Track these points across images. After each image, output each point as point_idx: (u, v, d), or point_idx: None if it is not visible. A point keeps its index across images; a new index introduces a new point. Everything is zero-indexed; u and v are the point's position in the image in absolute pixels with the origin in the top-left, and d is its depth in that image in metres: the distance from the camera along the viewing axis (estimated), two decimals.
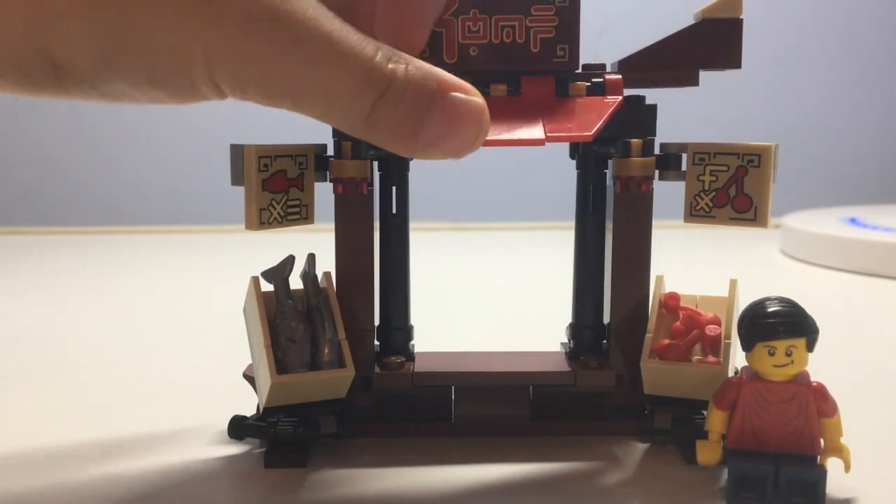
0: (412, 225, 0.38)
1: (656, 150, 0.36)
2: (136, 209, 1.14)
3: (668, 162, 0.36)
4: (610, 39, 1.05)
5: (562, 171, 0.39)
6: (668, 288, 0.37)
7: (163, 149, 1.14)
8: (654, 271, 0.37)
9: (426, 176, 1.06)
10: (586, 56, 0.35)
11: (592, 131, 0.32)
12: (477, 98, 0.27)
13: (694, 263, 0.74)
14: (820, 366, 0.32)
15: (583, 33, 0.35)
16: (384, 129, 0.26)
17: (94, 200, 1.15)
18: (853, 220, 0.89)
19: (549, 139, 0.31)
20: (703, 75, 0.36)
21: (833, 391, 0.31)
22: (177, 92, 0.26)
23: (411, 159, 0.38)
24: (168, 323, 0.61)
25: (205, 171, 1.05)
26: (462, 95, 0.27)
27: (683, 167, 0.35)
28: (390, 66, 0.26)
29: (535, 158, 1.07)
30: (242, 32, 0.24)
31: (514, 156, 1.11)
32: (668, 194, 0.39)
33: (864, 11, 1.17)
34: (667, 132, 0.37)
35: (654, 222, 0.37)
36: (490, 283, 0.76)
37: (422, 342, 0.39)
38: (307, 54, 0.25)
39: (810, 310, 0.31)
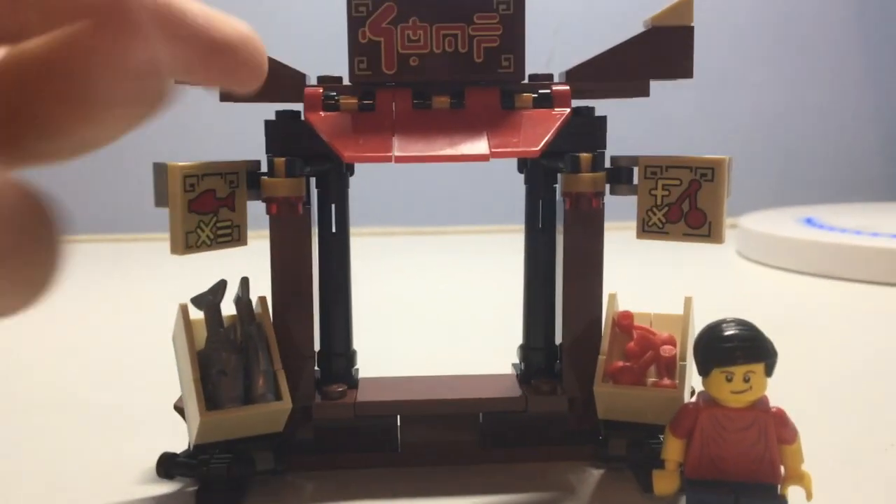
0: (353, 230, 0.36)
1: (607, 164, 0.34)
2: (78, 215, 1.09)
3: (620, 175, 0.34)
4: (565, 39, 1.05)
5: (513, 175, 0.37)
6: (623, 302, 0.35)
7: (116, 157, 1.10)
8: (609, 275, 0.35)
9: (368, 177, 1.05)
10: (540, 60, 0.33)
11: (539, 146, 0.30)
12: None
13: (650, 266, 0.73)
14: (777, 373, 0.30)
15: (535, 37, 0.33)
16: None
17: None
18: (809, 221, 0.89)
19: (493, 155, 0.30)
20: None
21: (791, 400, 0.30)
22: None
23: (351, 174, 0.36)
24: (100, 344, 0.58)
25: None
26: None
27: (635, 181, 0.34)
28: None
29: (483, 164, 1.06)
30: None
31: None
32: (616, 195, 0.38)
33: (818, 11, 1.17)
34: (617, 133, 0.35)
35: (608, 224, 0.35)
36: (440, 290, 0.74)
37: (367, 363, 0.37)
38: None
39: (767, 314, 0.29)
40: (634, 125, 0.34)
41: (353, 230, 0.36)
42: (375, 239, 0.98)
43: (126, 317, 0.66)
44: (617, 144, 0.35)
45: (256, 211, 0.34)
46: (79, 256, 0.96)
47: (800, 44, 1.18)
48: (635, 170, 0.34)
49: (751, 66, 1.17)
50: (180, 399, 0.35)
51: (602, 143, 0.34)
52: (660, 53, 0.33)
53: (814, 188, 1.17)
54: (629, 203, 0.35)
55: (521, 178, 0.37)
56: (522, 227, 0.37)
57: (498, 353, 0.40)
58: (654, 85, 0.34)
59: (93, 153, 0.15)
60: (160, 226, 0.31)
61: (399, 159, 0.29)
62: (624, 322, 0.35)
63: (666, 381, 0.33)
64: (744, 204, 0.95)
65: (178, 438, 0.34)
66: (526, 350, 0.37)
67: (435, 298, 0.71)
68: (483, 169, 1.07)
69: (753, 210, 0.96)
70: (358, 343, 0.37)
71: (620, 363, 0.34)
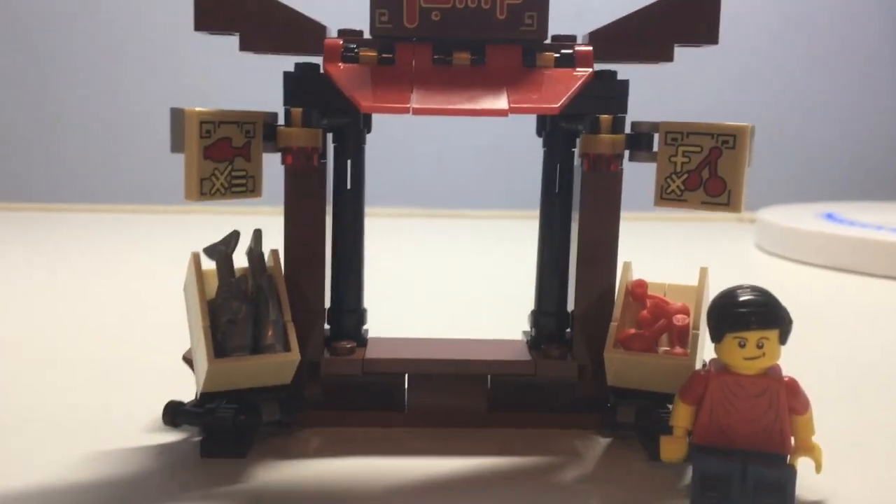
0: (377, 210, 0.36)
1: (627, 129, 0.34)
2: (86, 186, 1.10)
3: (640, 142, 0.34)
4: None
5: (529, 160, 0.37)
6: (637, 277, 0.35)
7: (118, 124, 1.11)
8: (623, 262, 0.35)
9: (394, 160, 1.05)
10: (566, 20, 0.33)
11: (559, 103, 0.30)
12: None
13: (665, 256, 0.73)
14: (793, 363, 0.30)
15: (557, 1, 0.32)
16: None
17: (37, 176, 1.10)
18: (830, 216, 0.88)
19: (512, 110, 0.29)
20: (679, 55, 0.34)
21: (805, 389, 0.29)
22: None
23: (368, 131, 0.36)
24: (106, 303, 0.58)
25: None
26: None
27: (655, 148, 0.34)
28: None
29: (503, 144, 1.06)
30: None
31: (482, 143, 1.09)
32: (639, 183, 0.37)
33: (849, 6, 1.16)
34: (637, 117, 0.35)
35: (625, 213, 0.35)
36: (455, 271, 0.74)
37: (378, 330, 0.37)
38: None
39: (786, 305, 0.29)
40: (652, 111, 0.33)
41: (367, 210, 0.36)
42: (390, 220, 0.98)
43: (138, 280, 0.66)
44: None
45: (274, 188, 0.34)
46: (100, 224, 0.97)
47: (825, 40, 1.16)
48: (655, 137, 0.34)
49: (774, 61, 1.15)
50: (189, 351, 0.35)
51: (623, 108, 0.34)
52: (686, 18, 0.33)
53: (835, 186, 1.15)
54: (643, 191, 0.35)
55: (532, 164, 0.36)
56: (531, 213, 0.37)
57: (506, 330, 0.39)
58: (675, 74, 0.34)
59: None
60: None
61: (417, 111, 0.29)
62: (638, 290, 0.35)
63: (678, 350, 0.33)
64: (763, 198, 0.94)
65: (186, 389, 0.35)
66: (537, 315, 0.37)
67: (448, 278, 0.71)
68: (502, 152, 1.07)
69: (772, 204, 0.95)
70: (369, 316, 0.37)
71: (632, 330, 0.33)
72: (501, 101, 0.30)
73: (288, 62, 0.34)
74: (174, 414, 0.33)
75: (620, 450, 0.34)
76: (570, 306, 0.36)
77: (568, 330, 0.36)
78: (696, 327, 0.33)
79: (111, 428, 0.35)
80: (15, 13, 1.07)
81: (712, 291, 0.33)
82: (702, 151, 0.32)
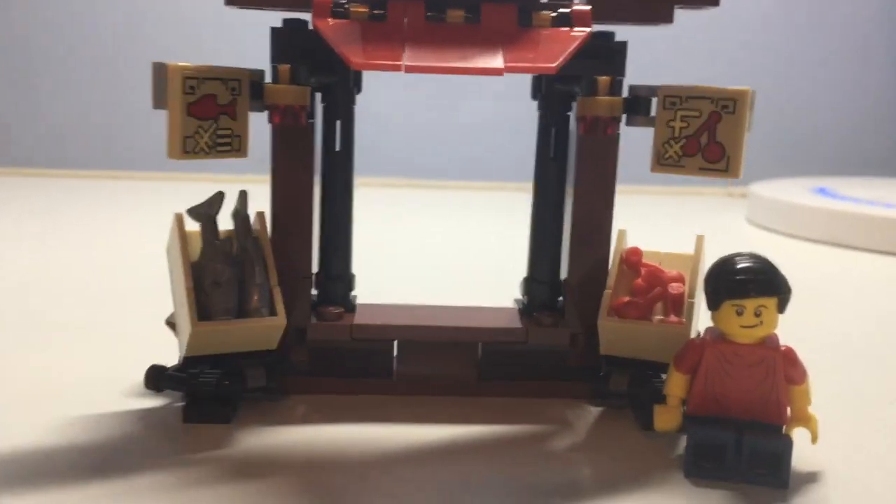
0: (368, 179, 0.35)
1: (625, 93, 0.33)
2: (68, 152, 1.08)
3: (638, 105, 0.33)
4: None
5: (525, 131, 0.36)
6: (631, 245, 0.34)
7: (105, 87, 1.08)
8: (618, 230, 0.34)
9: (385, 131, 1.04)
10: None
11: (556, 63, 0.29)
12: None
13: (656, 229, 0.72)
14: (786, 335, 0.30)
15: None
16: None
17: (17, 140, 1.09)
18: (822, 191, 0.88)
19: (508, 69, 0.28)
20: (678, 27, 0.33)
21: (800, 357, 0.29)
22: None
23: (358, 91, 0.35)
24: (88, 267, 0.57)
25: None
26: None
27: (653, 113, 0.33)
28: None
29: (498, 115, 1.04)
30: None
31: (477, 112, 1.08)
32: (632, 155, 0.36)
33: None
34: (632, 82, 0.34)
35: (617, 186, 0.34)
36: (447, 241, 0.73)
37: (367, 299, 0.36)
38: None
39: (783, 274, 0.28)
40: (647, 80, 0.33)
41: (358, 179, 0.35)
42: (381, 190, 0.97)
43: (120, 245, 0.65)
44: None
45: (262, 154, 0.33)
46: (82, 190, 0.96)
47: (820, 14, 1.15)
48: (654, 102, 0.33)
49: (767, 35, 1.14)
50: (172, 315, 0.34)
51: (621, 70, 0.33)
52: None
53: (827, 161, 1.15)
54: (634, 163, 0.34)
55: (528, 136, 0.36)
56: (526, 184, 0.36)
57: (502, 300, 0.39)
58: (671, 47, 0.33)
59: None
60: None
61: (410, 69, 0.28)
62: (632, 259, 0.34)
63: (672, 318, 0.32)
64: (755, 173, 0.94)
65: (170, 353, 0.34)
66: (530, 283, 0.36)
67: (440, 247, 0.71)
68: (494, 123, 1.06)
69: (764, 179, 0.95)
70: (359, 284, 0.36)
71: (626, 298, 0.33)
72: (497, 60, 0.29)
73: (276, 18, 0.33)
74: (157, 379, 0.32)
75: (612, 419, 0.33)
76: (564, 274, 0.35)
77: (560, 298, 0.36)
78: (692, 296, 0.32)
79: (92, 392, 0.34)
80: None
81: (705, 265, 0.32)
82: (701, 116, 0.32)
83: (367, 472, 0.28)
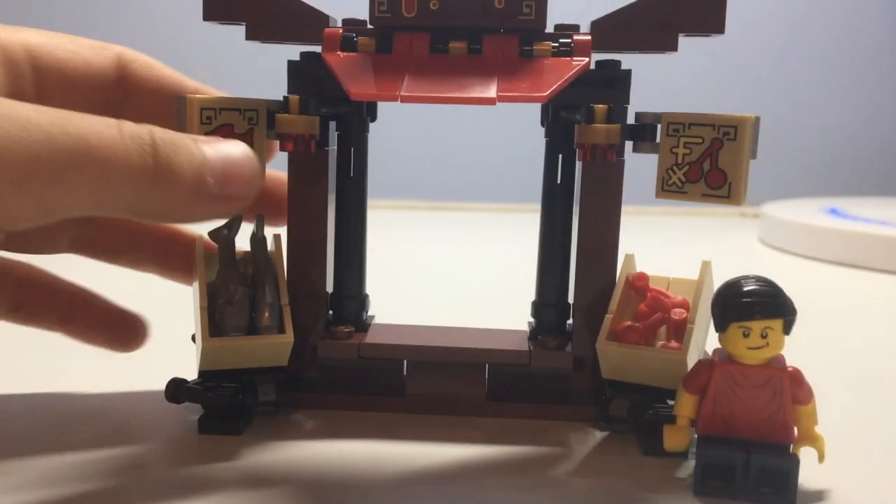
0: (381, 202, 0.36)
1: (630, 120, 0.33)
2: None
3: (644, 133, 0.33)
4: None
5: (532, 153, 0.37)
6: (640, 269, 0.35)
7: None
8: (626, 254, 0.35)
9: (399, 155, 1.05)
10: (574, 11, 0.33)
11: (547, 92, 0.29)
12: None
13: (668, 250, 0.72)
14: (795, 355, 0.30)
15: None
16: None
17: None
18: (833, 211, 0.87)
19: (500, 98, 0.29)
20: (684, 50, 0.33)
21: (809, 382, 0.29)
22: None
23: (372, 120, 0.36)
24: (117, 285, 0.60)
25: None
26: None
27: (658, 139, 0.33)
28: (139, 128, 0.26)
29: (509, 137, 1.05)
30: None
31: (488, 135, 1.09)
32: (642, 177, 0.37)
33: (858, 5, 1.12)
34: (640, 109, 0.34)
35: (628, 207, 0.34)
36: (458, 263, 0.74)
37: (385, 319, 0.38)
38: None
39: (789, 295, 0.28)
40: (654, 107, 0.33)
41: (372, 202, 0.37)
42: (394, 213, 0.98)
43: None
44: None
45: None
46: None
47: (831, 35, 1.13)
48: (658, 127, 0.33)
49: (779, 56, 1.12)
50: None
51: (625, 98, 0.33)
52: (690, 6, 0.32)
53: (838, 181, 1.12)
54: (646, 184, 0.34)
55: (538, 158, 0.36)
56: (536, 206, 0.37)
57: (515, 322, 0.39)
58: (679, 71, 0.33)
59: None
60: None
61: (405, 98, 0.29)
62: (638, 283, 0.34)
63: (673, 344, 0.32)
64: (767, 193, 0.93)
65: (192, 367, 0.36)
66: (538, 306, 0.36)
67: (451, 269, 0.72)
68: (507, 145, 1.06)
69: (776, 199, 0.93)
70: (378, 298, 0.37)
71: (628, 322, 0.33)
72: (490, 90, 0.30)
73: (295, 51, 0.35)
74: (176, 391, 0.34)
75: (614, 444, 0.33)
76: (572, 298, 0.35)
77: (569, 321, 0.36)
78: (693, 321, 0.32)
79: (114, 401, 0.36)
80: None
81: (715, 285, 0.32)
82: (703, 143, 0.32)
83: (372, 489, 0.29)
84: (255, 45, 0.35)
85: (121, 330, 0.37)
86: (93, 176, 0.24)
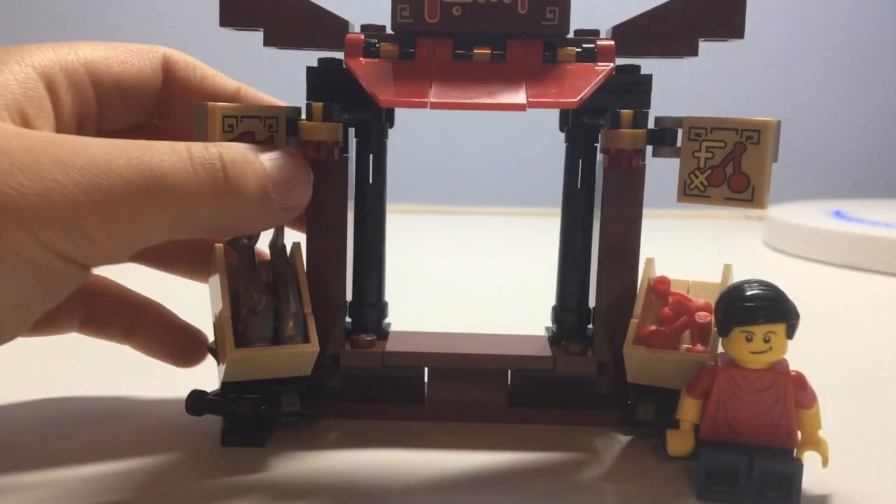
0: (402, 207, 0.36)
1: (650, 124, 0.34)
2: None
3: (664, 137, 0.33)
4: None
5: (554, 156, 0.37)
6: (658, 273, 0.35)
7: None
8: (646, 259, 0.35)
9: (417, 159, 1.05)
10: (580, 12, 0.33)
11: (578, 98, 0.29)
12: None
13: (674, 253, 0.72)
14: (800, 358, 0.30)
15: None
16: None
17: None
18: (838, 214, 0.87)
19: (531, 104, 0.29)
20: (703, 52, 0.33)
21: (813, 385, 0.29)
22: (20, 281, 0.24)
23: (391, 126, 0.36)
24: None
25: None
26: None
27: (679, 143, 0.33)
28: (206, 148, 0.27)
29: (526, 141, 1.05)
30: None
31: (505, 139, 1.09)
32: (652, 180, 0.37)
33: (863, 9, 1.14)
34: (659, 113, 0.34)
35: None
36: (478, 268, 0.74)
37: (400, 326, 0.37)
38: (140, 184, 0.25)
39: (794, 301, 0.29)
40: (670, 110, 0.33)
41: (391, 206, 0.37)
42: (413, 217, 0.98)
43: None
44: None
45: None
46: None
47: (837, 38, 1.14)
48: (679, 132, 0.33)
49: (784, 59, 1.14)
50: (214, 342, 0.35)
51: (646, 103, 0.33)
52: (711, 11, 0.32)
53: (843, 183, 1.14)
54: (656, 189, 0.35)
55: (556, 161, 0.36)
56: (556, 210, 0.37)
57: (533, 327, 0.39)
58: (691, 77, 0.33)
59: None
60: None
61: (434, 105, 0.29)
62: (660, 287, 0.34)
63: (699, 347, 0.32)
64: (772, 196, 0.93)
65: (211, 378, 0.35)
66: (559, 311, 0.36)
67: (472, 274, 0.71)
68: (516, 149, 1.07)
69: (781, 202, 0.95)
70: (392, 311, 0.37)
71: (653, 327, 0.33)
72: (520, 96, 0.30)
73: (312, 57, 0.34)
74: (197, 402, 0.34)
75: (640, 449, 0.33)
76: (592, 302, 0.35)
77: (590, 326, 0.36)
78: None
79: (135, 414, 0.35)
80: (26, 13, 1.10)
81: None
82: (726, 147, 0.32)
83: (398, 498, 0.29)
84: (256, 51, 0.35)
85: (180, 344, 0.36)
86: (170, 208, 0.25)
